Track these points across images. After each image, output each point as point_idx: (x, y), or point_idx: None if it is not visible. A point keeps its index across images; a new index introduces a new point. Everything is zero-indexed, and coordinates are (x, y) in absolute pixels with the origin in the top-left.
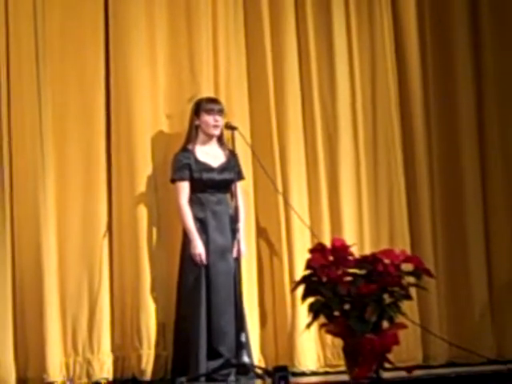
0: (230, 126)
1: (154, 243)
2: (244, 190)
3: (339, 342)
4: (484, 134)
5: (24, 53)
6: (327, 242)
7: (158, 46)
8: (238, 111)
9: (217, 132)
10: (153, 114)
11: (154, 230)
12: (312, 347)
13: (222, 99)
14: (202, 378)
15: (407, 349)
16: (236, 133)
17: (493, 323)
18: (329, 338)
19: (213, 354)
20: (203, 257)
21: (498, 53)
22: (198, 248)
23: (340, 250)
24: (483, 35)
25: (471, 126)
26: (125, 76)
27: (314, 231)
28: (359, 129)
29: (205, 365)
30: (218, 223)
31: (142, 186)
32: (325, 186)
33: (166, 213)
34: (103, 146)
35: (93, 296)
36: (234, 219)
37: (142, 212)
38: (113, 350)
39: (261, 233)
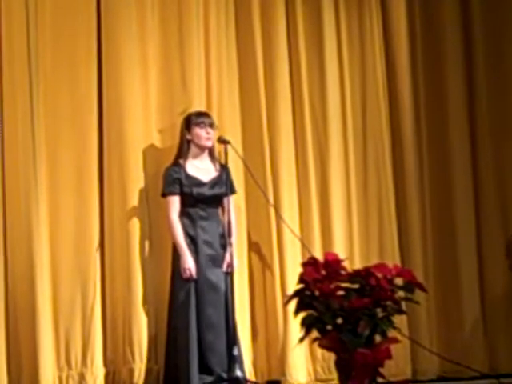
0: (222, 140)
1: (146, 257)
2: (236, 204)
3: (329, 355)
4: (476, 149)
5: (17, 68)
6: (318, 256)
7: (150, 60)
8: (230, 125)
9: (209, 144)
10: (144, 127)
11: (146, 244)
12: (302, 361)
13: (214, 113)
14: None
15: (396, 363)
16: (228, 147)
17: (485, 337)
18: (319, 351)
19: (205, 367)
20: (193, 271)
21: (489, 63)
22: (188, 263)
23: (333, 264)
24: (475, 44)
25: (463, 140)
26: (117, 90)
27: (306, 244)
28: (349, 142)
29: (196, 379)
30: (208, 238)
31: (133, 200)
32: (316, 199)
33: (158, 226)
34: (95, 160)
35: (85, 310)
36: (227, 234)
37: (134, 226)
38: (105, 364)
39: (252, 246)
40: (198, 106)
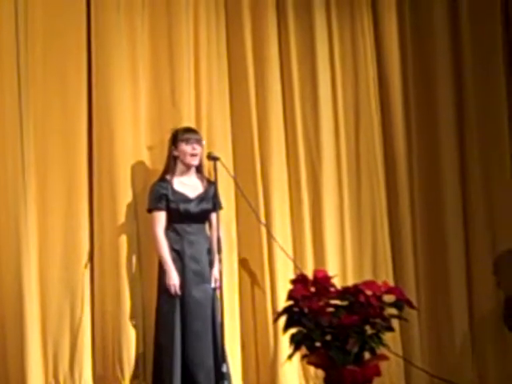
0: (212, 157)
1: (135, 272)
2: (226, 220)
3: (322, 372)
4: (466, 162)
5: (6, 82)
6: (310, 273)
7: (140, 76)
8: (221, 141)
9: (195, 162)
10: (134, 143)
11: (135, 259)
12: (295, 378)
13: (204, 130)
14: None
15: (390, 381)
16: (218, 163)
17: (474, 355)
18: (311, 368)
19: (193, 383)
20: (177, 287)
21: (478, 74)
22: (173, 279)
23: (322, 281)
24: (465, 60)
25: (453, 155)
26: (107, 106)
27: (297, 262)
28: (342, 159)
29: None
30: (195, 253)
31: (122, 215)
32: (308, 216)
33: (147, 242)
34: (85, 176)
35: (74, 325)
36: (217, 250)
37: (123, 241)
38: (94, 380)
39: (243, 263)
40: (188, 122)
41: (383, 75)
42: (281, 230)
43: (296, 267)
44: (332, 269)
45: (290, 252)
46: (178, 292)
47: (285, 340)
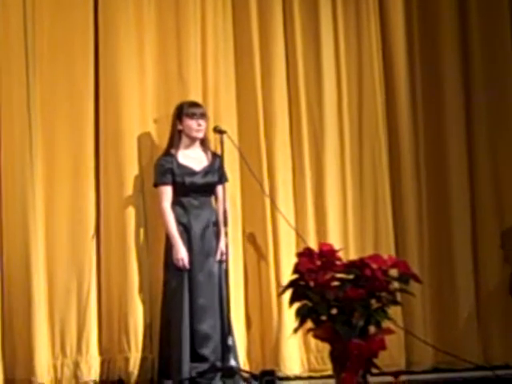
0: (218, 130)
1: (142, 246)
2: (231, 193)
3: (323, 346)
4: (472, 141)
5: (14, 58)
6: (312, 247)
7: (147, 51)
8: (226, 115)
9: (200, 135)
10: (141, 118)
11: (142, 232)
12: (296, 351)
13: (210, 104)
14: (187, 382)
15: (390, 354)
16: (224, 136)
17: (479, 329)
18: (313, 342)
19: (198, 356)
20: (186, 261)
21: (486, 61)
22: (181, 253)
23: (328, 254)
24: (472, 42)
25: (459, 134)
26: (113, 81)
27: (301, 235)
28: (345, 133)
29: (188, 368)
30: (201, 227)
31: (129, 189)
32: (311, 190)
33: (153, 216)
34: (92, 150)
35: (81, 299)
36: (224, 223)
37: (130, 214)
38: (100, 353)
39: (247, 236)
40: (195, 96)
41: (388, 57)
42: (284, 204)
43: (300, 239)
44: (334, 243)
45: (293, 226)
46: (187, 266)
47: (289, 314)
